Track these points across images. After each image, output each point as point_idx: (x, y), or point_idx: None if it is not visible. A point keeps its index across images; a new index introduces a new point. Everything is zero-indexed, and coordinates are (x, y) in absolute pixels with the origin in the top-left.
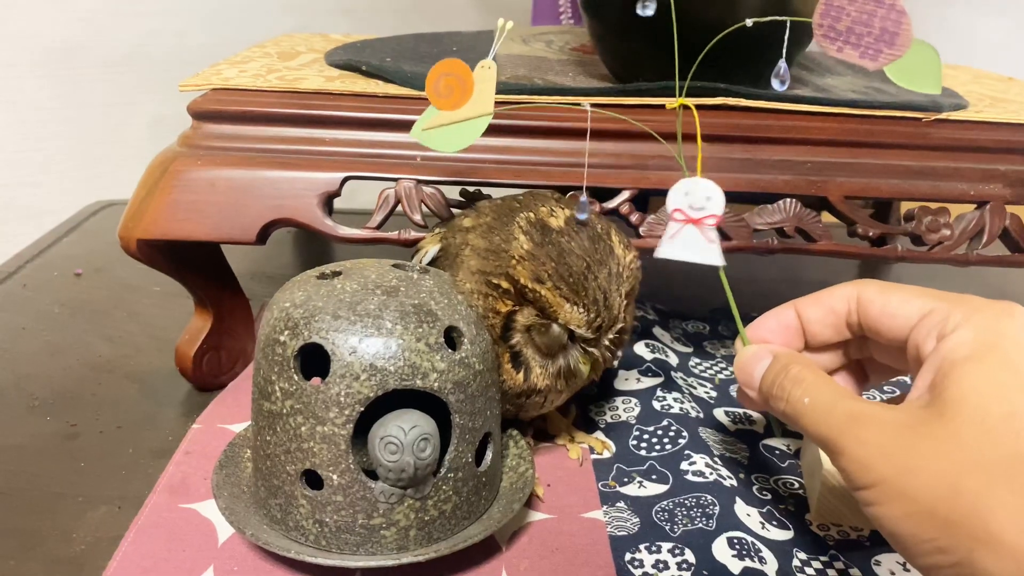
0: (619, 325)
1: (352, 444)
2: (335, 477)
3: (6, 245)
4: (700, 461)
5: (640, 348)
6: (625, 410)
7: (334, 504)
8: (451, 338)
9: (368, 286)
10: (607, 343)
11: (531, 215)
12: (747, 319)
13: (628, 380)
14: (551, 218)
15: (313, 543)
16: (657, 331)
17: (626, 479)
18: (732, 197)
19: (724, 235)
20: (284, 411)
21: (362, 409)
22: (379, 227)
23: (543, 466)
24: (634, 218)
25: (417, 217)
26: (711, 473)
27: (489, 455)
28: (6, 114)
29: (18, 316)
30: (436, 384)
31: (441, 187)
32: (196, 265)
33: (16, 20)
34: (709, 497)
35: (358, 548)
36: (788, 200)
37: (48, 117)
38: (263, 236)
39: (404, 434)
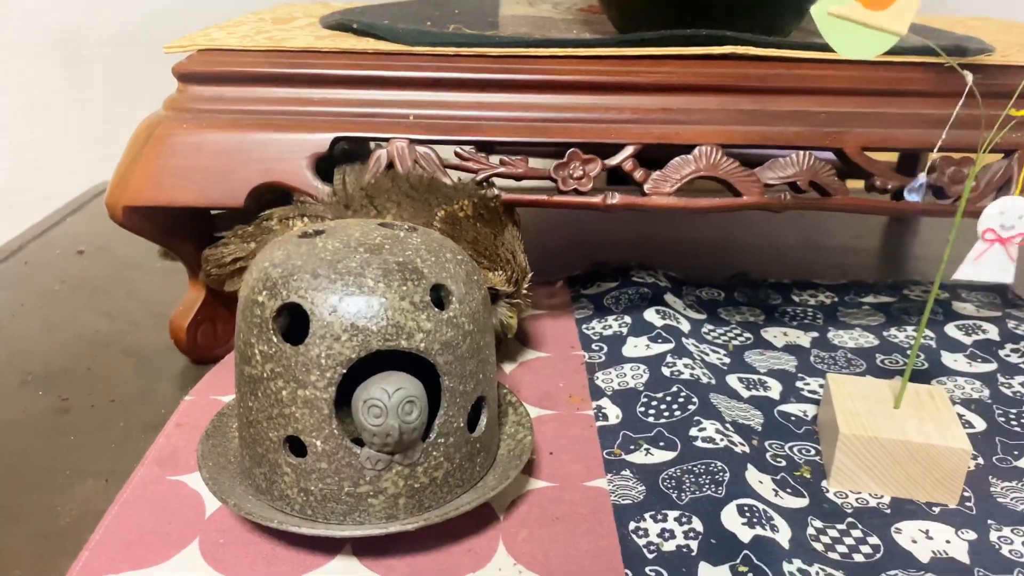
0: (528, 275)
1: (338, 410)
2: (319, 443)
3: (15, 227)
4: (710, 427)
5: (650, 314)
6: (633, 377)
7: (319, 472)
8: (439, 297)
9: (351, 244)
10: (524, 292)
11: (442, 213)
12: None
13: (637, 347)
14: (460, 212)
15: (299, 513)
16: (669, 297)
17: (632, 447)
18: (742, 152)
19: (733, 190)
20: (264, 375)
21: (344, 371)
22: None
23: (545, 434)
24: (638, 175)
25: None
26: (722, 439)
27: (483, 421)
28: (14, 96)
29: (18, 293)
30: (422, 345)
31: (435, 147)
32: (186, 233)
33: (22, 1)
34: (719, 464)
35: (345, 517)
36: (801, 153)
37: (56, 99)
38: (252, 200)
39: (388, 396)
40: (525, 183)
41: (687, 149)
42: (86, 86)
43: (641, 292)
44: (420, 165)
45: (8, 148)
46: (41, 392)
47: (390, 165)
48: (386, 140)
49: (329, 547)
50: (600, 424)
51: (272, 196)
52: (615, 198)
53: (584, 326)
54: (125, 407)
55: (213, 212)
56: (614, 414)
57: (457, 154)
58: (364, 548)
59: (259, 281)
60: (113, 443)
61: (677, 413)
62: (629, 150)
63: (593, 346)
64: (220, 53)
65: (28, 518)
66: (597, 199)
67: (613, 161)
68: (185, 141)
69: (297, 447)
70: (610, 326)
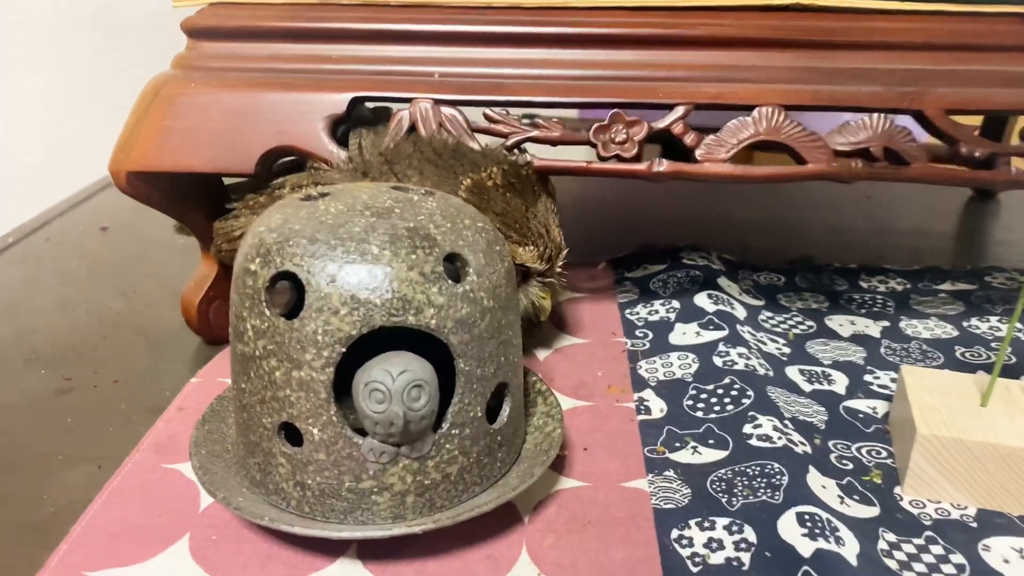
0: (564, 252)
1: (339, 396)
2: (315, 431)
3: (46, 203)
4: (767, 424)
5: (701, 299)
6: (681, 367)
7: (316, 463)
8: (454, 269)
9: (356, 207)
10: (559, 270)
11: (468, 182)
12: (831, 271)
13: (686, 334)
14: (488, 181)
15: (295, 509)
16: (723, 281)
17: (678, 444)
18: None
19: (797, 157)
20: (257, 353)
21: (343, 350)
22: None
23: (580, 428)
24: (689, 139)
25: None
26: (780, 438)
27: (506, 410)
28: (52, 72)
29: (36, 269)
30: (433, 321)
31: (462, 108)
32: (196, 203)
33: None
34: (776, 465)
35: (346, 516)
36: (875, 115)
37: (92, 75)
38: (263, 166)
39: (392, 379)
40: (561, 150)
41: (745, 111)
42: (122, 62)
43: (692, 275)
44: (445, 128)
45: (45, 125)
46: (44, 371)
47: (412, 128)
48: (409, 101)
49: (331, 548)
50: (642, 418)
51: (287, 163)
52: (662, 165)
53: (627, 311)
54: (129, 389)
55: (227, 181)
56: (658, 407)
57: (486, 116)
58: (369, 551)
59: (253, 248)
60: (112, 426)
61: (729, 407)
62: (679, 111)
63: (637, 332)
64: (232, 7)
65: (11, 506)
66: (642, 167)
67: (661, 124)
68: (193, 101)
69: (293, 435)
70: (656, 311)
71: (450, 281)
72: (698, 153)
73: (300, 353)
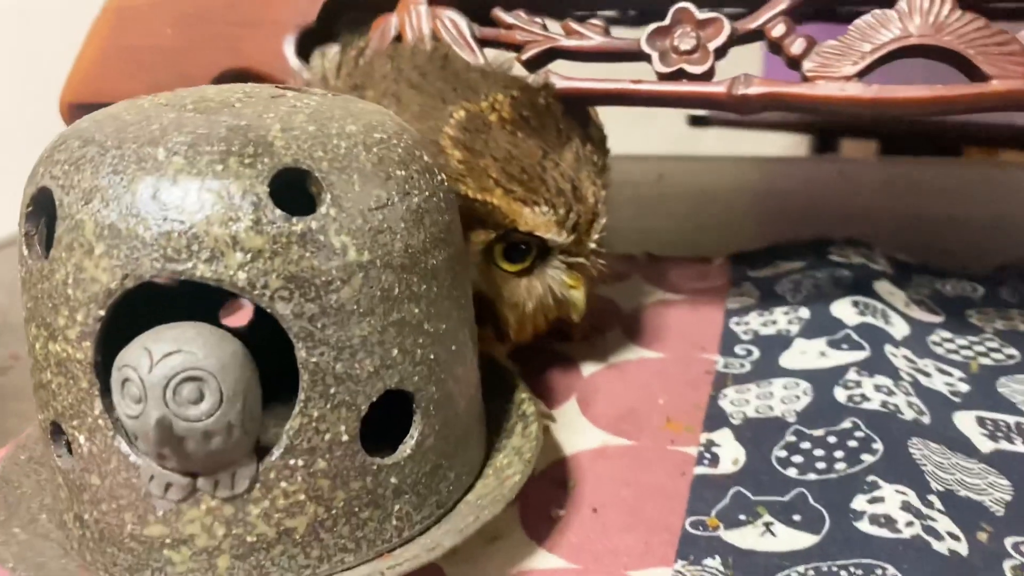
0: (602, 221)
1: None
2: (82, 439)
3: None
4: (893, 497)
5: (842, 307)
6: (784, 399)
7: (90, 489)
8: (306, 193)
9: (181, 103)
10: (594, 246)
11: (461, 114)
12: None
13: (806, 353)
14: (490, 113)
15: (78, 554)
16: (883, 287)
17: (743, 516)
18: None
19: (973, 71)
20: (25, 314)
21: (101, 313)
22: None
23: (600, 477)
24: (794, 47)
25: None
26: (910, 523)
27: (415, 436)
28: None
29: None
30: (242, 275)
31: (463, 14)
32: None
33: None
34: (890, 570)
35: None
36: None
37: None
38: None
39: (149, 364)
40: (600, 67)
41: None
42: None
43: (837, 276)
44: (440, 39)
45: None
46: None
47: (399, 38)
48: (396, 3)
49: None
50: (702, 471)
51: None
52: (750, 86)
53: (733, 319)
54: None
55: None
56: (731, 456)
57: (495, 18)
58: None
59: (38, 162)
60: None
61: (840, 466)
62: (781, 4)
63: (737, 349)
64: None
65: None
66: (719, 88)
67: (750, 24)
68: (138, 13)
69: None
70: (774, 321)
71: (282, 212)
72: (808, 67)
73: (52, 315)
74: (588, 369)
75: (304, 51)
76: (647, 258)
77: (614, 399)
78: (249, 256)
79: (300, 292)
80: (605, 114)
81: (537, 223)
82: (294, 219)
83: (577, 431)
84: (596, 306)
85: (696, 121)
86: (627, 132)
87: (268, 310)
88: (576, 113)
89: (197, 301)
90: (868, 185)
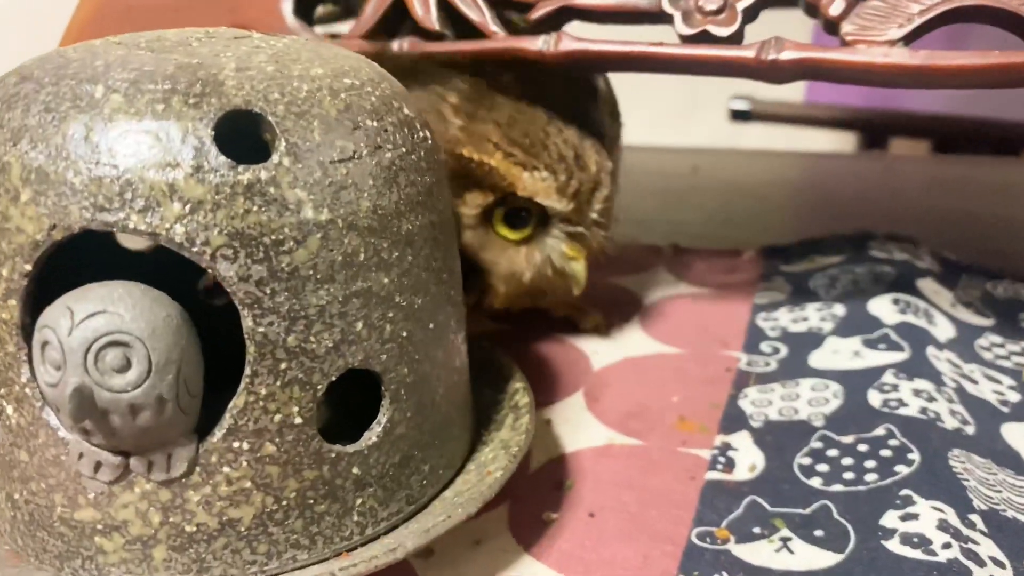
0: (604, 191)
1: None
2: (10, 409)
3: None
4: (929, 515)
5: (881, 305)
6: (812, 402)
7: (20, 466)
8: (257, 140)
9: (134, 43)
10: (595, 217)
11: (465, 85)
12: None
13: (838, 353)
14: (495, 85)
15: (10, 539)
16: (926, 285)
17: (758, 529)
18: None
19: None
20: None
21: (28, 268)
22: (369, 34)
23: (601, 479)
24: (833, 8)
25: (431, 16)
26: (947, 545)
27: (383, 423)
28: None
29: None
30: (179, 228)
31: None
32: None
33: None
34: None
35: (62, 564)
36: None
37: None
38: None
39: (69, 324)
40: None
41: None
42: None
43: (877, 272)
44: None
45: None
46: None
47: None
48: None
49: None
50: (714, 476)
51: None
52: (781, 50)
53: (761, 315)
54: None
55: None
56: (748, 462)
57: None
58: None
59: None
60: None
61: (870, 476)
62: None
63: (763, 346)
64: None
65: None
66: (747, 53)
67: None
68: None
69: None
70: (805, 318)
71: (227, 159)
72: (847, 29)
73: None
74: (599, 362)
75: (303, 10)
76: (673, 249)
77: (624, 395)
78: (188, 207)
79: (246, 251)
80: (641, 103)
81: (536, 188)
82: (240, 167)
83: (580, 427)
84: (609, 297)
85: (737, 115)
86: (668, 124)
87: (210, 270)
88: (586, 82)
89: (175, 269)
90: (917, 182)
